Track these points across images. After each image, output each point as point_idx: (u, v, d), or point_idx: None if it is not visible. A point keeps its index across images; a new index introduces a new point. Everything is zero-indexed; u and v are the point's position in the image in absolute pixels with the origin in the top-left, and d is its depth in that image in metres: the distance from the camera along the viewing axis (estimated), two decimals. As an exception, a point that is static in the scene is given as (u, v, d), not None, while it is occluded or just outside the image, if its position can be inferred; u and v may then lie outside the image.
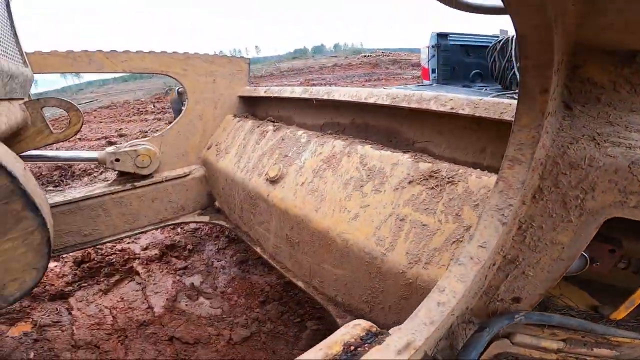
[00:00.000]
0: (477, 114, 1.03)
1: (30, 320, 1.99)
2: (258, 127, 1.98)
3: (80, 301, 2.15)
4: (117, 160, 1.93)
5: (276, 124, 1.95)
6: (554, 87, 0.65)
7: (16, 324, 1.96)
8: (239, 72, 2.32)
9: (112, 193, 1.95)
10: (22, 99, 1.43)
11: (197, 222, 2.38)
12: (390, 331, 0.63)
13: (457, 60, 5.87)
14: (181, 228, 2.97)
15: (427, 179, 1.08)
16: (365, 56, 27.03)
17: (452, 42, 5.81)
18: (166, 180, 2.12)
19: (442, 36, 5.78)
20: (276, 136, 1.80)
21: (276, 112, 2.18)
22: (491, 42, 4.80)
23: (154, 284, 2.30)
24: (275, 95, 2.04)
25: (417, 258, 0.99)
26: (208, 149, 2.27)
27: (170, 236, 2.88)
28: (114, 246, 2.67)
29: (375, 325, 0.64)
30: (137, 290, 2.24)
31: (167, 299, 2.13)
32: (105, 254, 2.58)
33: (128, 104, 13.56)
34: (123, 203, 2.00)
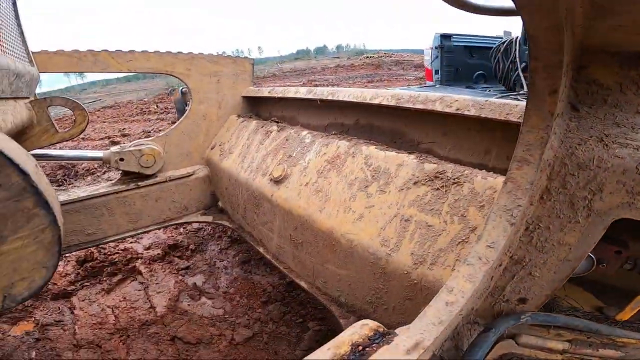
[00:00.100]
0: (483, 115, 1.03)
1: (33, 319, 1.99)
2: (262, 127, 1.98)
3: (83, 300, 2.15)
4: (122, 159, 1.94)
5: (280, 124, 1.95)
6: (562, 88, 0.65)
7: (18, 323, 1.97)
8: (243, 72, 2.33)
9: (116, 192, 1.95)
10: (28, 97, 1.44)
11: (200, 222, 2.38)
12: (397, 331, 0.62)
13: (460, 62, 5.86)
14: (184, 228, 2.98)
15: (432, 180, 1.07)
16: (367, 57, 27.06)
17: (455, 43, 5.81)
18: (170, 180, 2.12)
19: (445, 37, 5.77)
20: (280, 136, 1.80)
21: (280, 112, 2.18)
22: (495, 44, 4.78)
23: (157, 283, 2.30)
24: (280, 95, 2.04)
25: (422, 259, 0.98)
26: (212, 149, 2.27)
27: (172, 236, 2.89)
28: (117, 246, 2.67)
29: (382, 326, 0.64)
30: (139, 290, 2.25)
31: (169, 299, 2.13)
32: (108, 253, 2.58)
33: (131, 104, 13.61)
34: (127, 202, 2.00)
